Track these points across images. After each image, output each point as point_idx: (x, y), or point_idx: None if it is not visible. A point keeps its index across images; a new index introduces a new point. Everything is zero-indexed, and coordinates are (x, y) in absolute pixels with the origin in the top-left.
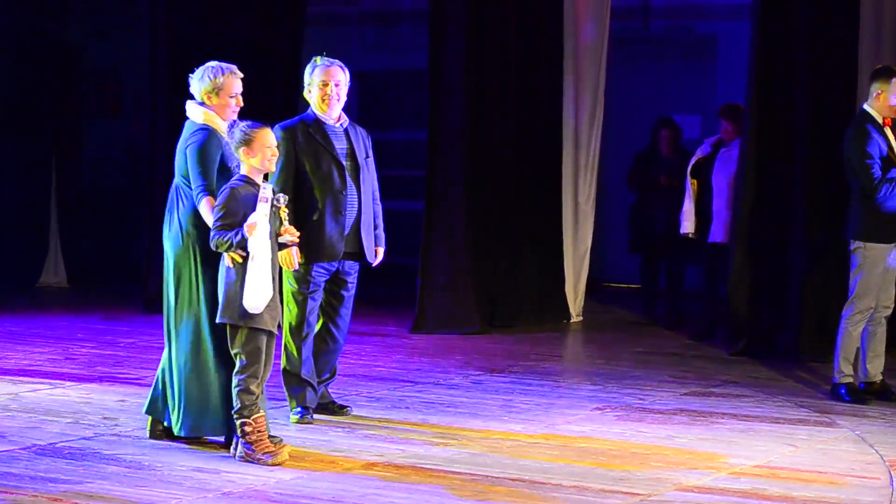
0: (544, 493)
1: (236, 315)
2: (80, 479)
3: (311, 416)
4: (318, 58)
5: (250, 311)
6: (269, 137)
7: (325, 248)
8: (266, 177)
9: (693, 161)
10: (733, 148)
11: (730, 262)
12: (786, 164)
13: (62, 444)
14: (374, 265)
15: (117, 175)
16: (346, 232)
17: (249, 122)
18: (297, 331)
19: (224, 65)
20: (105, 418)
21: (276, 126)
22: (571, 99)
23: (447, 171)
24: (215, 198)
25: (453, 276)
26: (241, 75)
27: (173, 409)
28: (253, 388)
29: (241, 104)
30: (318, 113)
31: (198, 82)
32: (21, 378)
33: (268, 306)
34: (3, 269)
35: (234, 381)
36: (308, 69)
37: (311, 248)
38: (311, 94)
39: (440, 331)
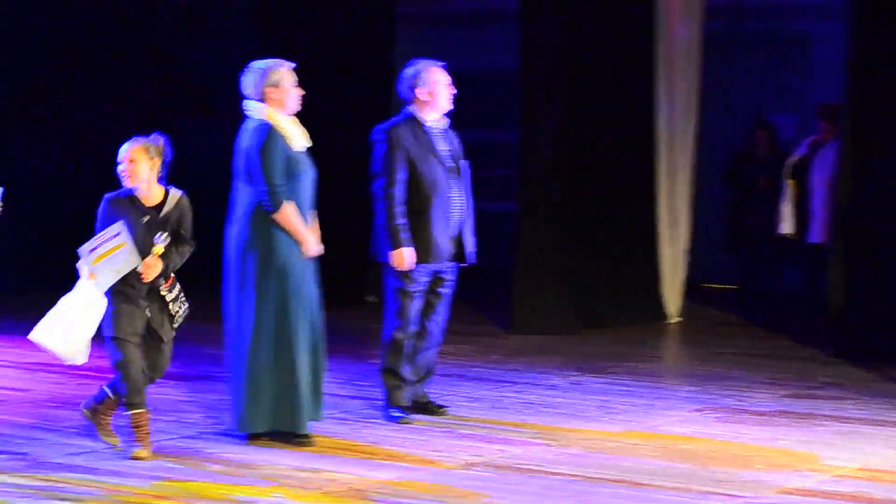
0: (645, 494)
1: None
2: (182, 477)
3: (410, 416)
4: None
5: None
6: (122, 152)
7: (433, 249)
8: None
9: (791, 161)
10: (830, 148)
11: (828, 262)
12: (883, 163)
13: (165, 441)
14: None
15: (210, 174)
16: (452, 234)
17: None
18: (399, 330)
19: (273, 60)
20: (207, 416)
21: (382, 126)
22: (665, 99)
23: (540, 171)
24: (286, 198)
25: (548, 277)
26: (293, 65)
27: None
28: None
29: (301, 93)
30: (426, 114)
31: (253, 80)
32: None
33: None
34: None
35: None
36: (413, 71)
37: (419, 248)
38: (427, 94)
39: (536, 332)
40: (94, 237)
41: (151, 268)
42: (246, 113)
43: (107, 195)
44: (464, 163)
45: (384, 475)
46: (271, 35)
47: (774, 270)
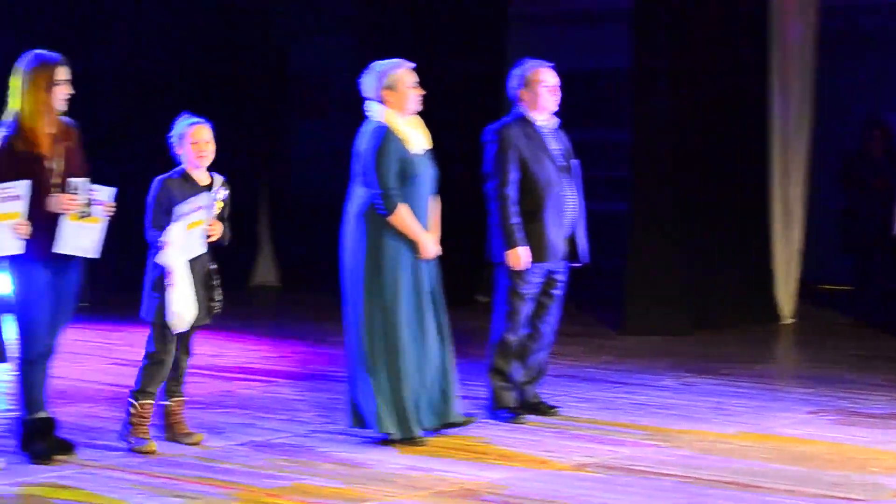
0: (758, 496)
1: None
2: (295, 476)
3: (520, 417)
4: (532, 61)
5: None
6: (199, 133)
7: (547, 249)
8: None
9: None
10: None
11: None
12: None
13: (277, 440)
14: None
15: (325, 177)
16: (566, 233)
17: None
18: (509, 332)
19: (393, 60)
20: (319, 416)
21: (492, 127)
22: (779, 99)
23: (651, 172)
24: (401, 201)
25: (659, 278)
26: (412, 65)
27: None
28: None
29: (422, 93)
30: (534, 114)
31: (371, 81)
32: (236, 375)
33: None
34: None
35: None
36: (520, 71)
37: (533, 248)
38: (532, 93)
39: (648, 332)
40: (188, 202)
41: (217, 226)
42: (366, 114)
43: (159, 177)
44: (574, 162)
45: (495, 475)
46: (381, 36)
47: (890, 271)
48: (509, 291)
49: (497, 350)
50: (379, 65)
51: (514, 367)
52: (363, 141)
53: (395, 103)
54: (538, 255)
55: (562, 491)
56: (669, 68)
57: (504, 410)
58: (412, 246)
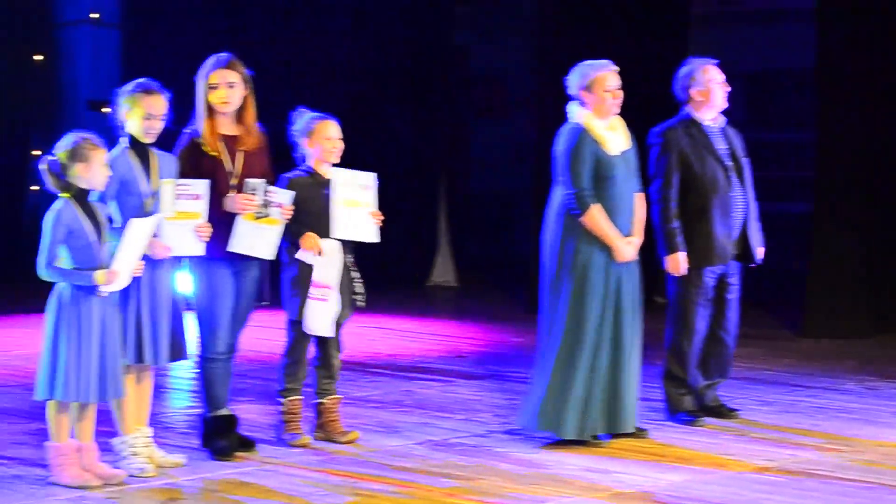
0: None
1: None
2: (472, 476)
3: (699, 420)
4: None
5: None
6: (329, 129)
7: (716, 252)
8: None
9: None
10: None
11: None
12: None
13: (455, 440)
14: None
15: (504, 177)
16: (735, 234)
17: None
18: (683, 337)
19: (598, 61)
20: (496, 416)
21: (656, 129)
22: None
23: (836, 173)
24: (593, 202)
25: (842, 280)
26: (616, 69)
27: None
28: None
29: (620, 97)
30: (702, 113)
31: (573, 80)
32: (414, 375)
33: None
34: (394, 268)
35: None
36: (687, 70)
37: (701, 252)
38: (702, 93)
39: (828, 335)
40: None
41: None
42: (567, 115)
43: (285, 175)
44: (745, 161)
45: (674, 477)
46: (560, 37)
47: None
48: (680, 296)
49: (672, 356)
50: (585, 64)
51: (692, 373)
52: (560, 142)
53: (592, 104)
54: (706, 258)
55: (741, 494)
56: (854, 69)
57: (682, 414)
58: (606, 249)
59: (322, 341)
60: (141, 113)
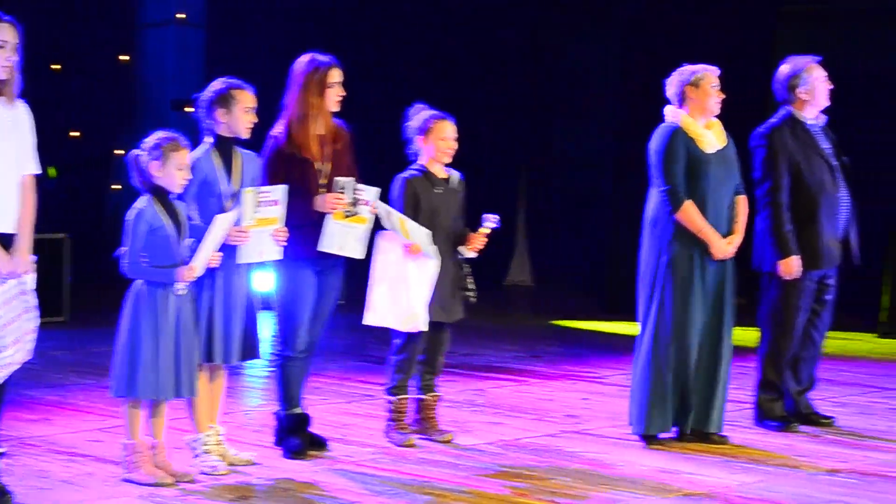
0: None
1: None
2: (543, 476)
3: (792, 426)
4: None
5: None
6: (446, 129)
7: (824, 255)
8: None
9: None
10: None
11: None
12: None
13: (526, 440)
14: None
15: (584, 176)
16: (840, 236)
17: (433, 112)
18: (786, 342)
19: (701, 65)
20: (568, 416)
21: (761, 130)
22: None
23: None
24: (686, 198)
25: None
26: (718, 71)
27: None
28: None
29: (722, 97)
30: (805, 112)
31: (675, 79)
32: (488, 375)
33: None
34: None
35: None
36: (790, 69)
37: (810, 255)
38: (808, 92)
39: None
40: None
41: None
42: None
43: (402, 175)
44: (845, 159)
45: (746, 478)
46: (649, 36)
47: None
48: (783, 302)
49: (768, 362)
50: (687, 66)
51: (787, 378)
52: (654, 140)
53: (696, 101)
54: (813, 262)
55: (813, 496)
56: None
57: (770, 421)
58: (702, 247)
59: (430, 338)
60: (242, 107)
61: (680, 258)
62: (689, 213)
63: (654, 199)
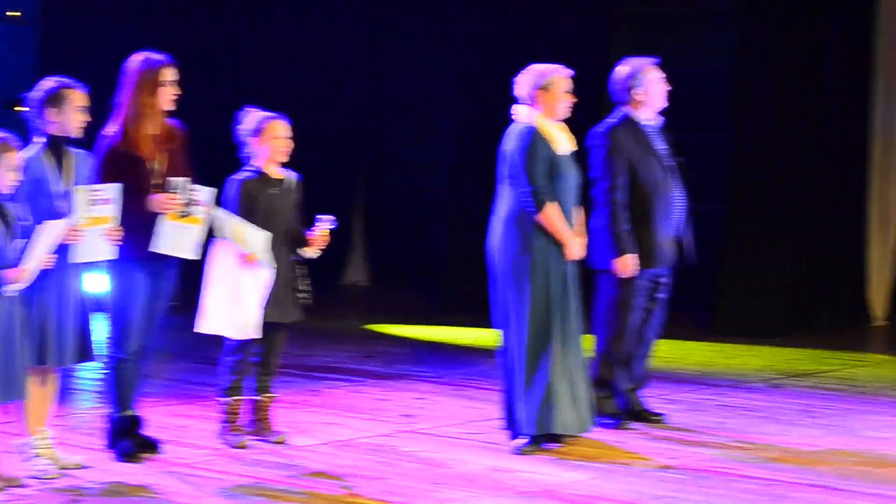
0: (842, 500)
1: None
2: (377, 476)
3: (624, 423)
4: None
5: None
6: (279, 128)
7: (658, 254)
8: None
9: None
10: None
11: None
12: None
13: (361, 439)
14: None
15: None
16: (675, 235)
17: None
18: (621, 340)
19: (552, 65)
20: (403, 415)
21: (599, 130)
22: (882, 98)
23: (748, 173)
24: (551, 200)
25: (754, 280)
26: (570, 73)
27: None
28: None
29: (574, 100)
30: (641, 113)
31: (525, 81)
32: (324, 375)
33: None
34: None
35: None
36: (628, 70)
37: (642, 254)
38: (644, 93)
39: (739, 334)
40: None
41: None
42: (512, 117)
43: (238, 178)
44: (679, 160)
45: (579, 476)
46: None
47: None
48: (616, 300)
49: (603, 360)
50: (537, 66)
51: (620, 376)
52: (510, 142)
53: (547, 105)
54: (647, 261)
55: (645, 491)
56: (769, 69)
57: (607, 417)
58: (559, 247)
59: (265, 338)
60: (74, 106)
61: (546, 257)
62: (552, 216)
63: (509, 197)
